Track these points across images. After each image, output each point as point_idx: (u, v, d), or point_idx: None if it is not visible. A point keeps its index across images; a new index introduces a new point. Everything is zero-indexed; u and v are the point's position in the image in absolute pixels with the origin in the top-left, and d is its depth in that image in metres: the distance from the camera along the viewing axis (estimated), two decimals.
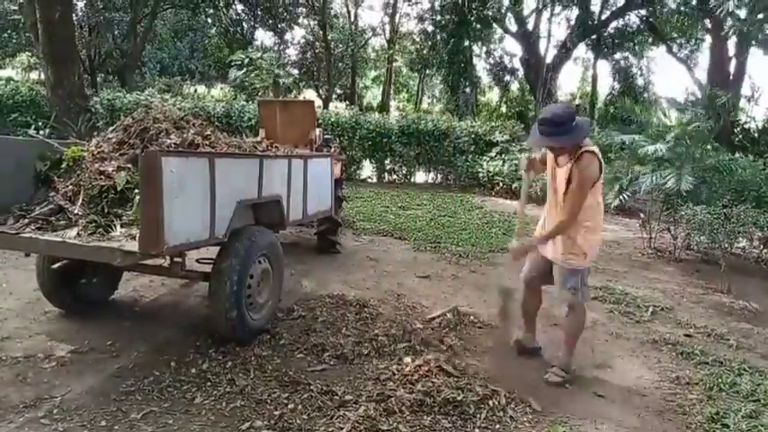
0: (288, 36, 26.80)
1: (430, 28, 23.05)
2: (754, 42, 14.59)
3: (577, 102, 28.07)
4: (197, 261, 4.20)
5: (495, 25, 22.14)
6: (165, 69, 24.17)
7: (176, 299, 4.50)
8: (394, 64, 28.62)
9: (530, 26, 21.93)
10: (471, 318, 4.41)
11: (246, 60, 13.35)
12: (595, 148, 3.21)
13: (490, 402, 3.05)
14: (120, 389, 2.97)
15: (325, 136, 6.72)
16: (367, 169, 13.66)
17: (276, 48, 24.89)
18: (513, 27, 22.38)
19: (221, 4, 23.63)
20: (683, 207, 6.81)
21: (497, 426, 2.89)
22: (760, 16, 12.03)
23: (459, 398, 3.02)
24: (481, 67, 24.59)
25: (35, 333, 3.65)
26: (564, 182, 3.24)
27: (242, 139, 4.46)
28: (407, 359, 3.49)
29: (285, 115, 6.28)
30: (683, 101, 7.93)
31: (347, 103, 23.64)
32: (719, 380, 3.55)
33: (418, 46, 25.28)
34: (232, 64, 13.50)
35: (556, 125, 3.07)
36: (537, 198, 11.45)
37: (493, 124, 13.76)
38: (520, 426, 2.92)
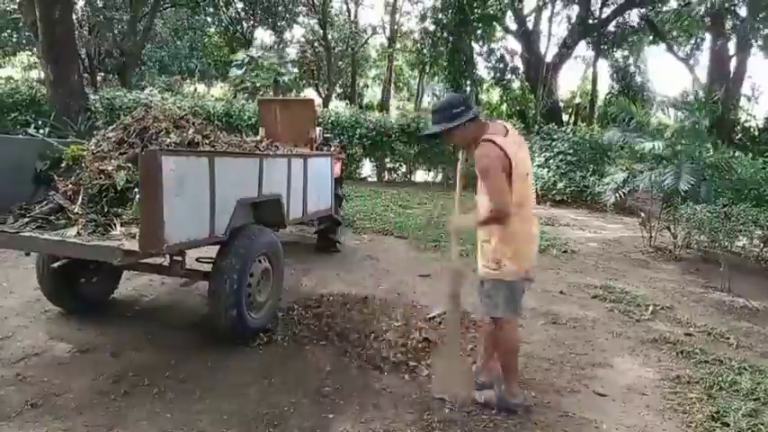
0: (288, 35, 26.80)
1: (431, 26, 23.01)
2: (754, 43, 14.57)
3: (578, 100, 28.04)
4: (197, 260, 4.19)
5: (495, 24, 22.10)
6: (165, 68, 24.14)
7: (176, 298, 4.50)
8: (394, 63, 28.58)
9: (530, 25, 21.90)
10: (472, 316, 4.40)
11: (247, 59, 13.33)
12: (494, 137, 2.77)
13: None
14: (120, 388, 2.97)
15: (325, 135, 6.72)
16: (367, 168, 13.66)
17: (276, 46, 24.85)
18: (514, 26, 22.36)
19: (221, 3, 23.59)
20: (682, 206, 6.80)
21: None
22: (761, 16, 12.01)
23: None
24: (482, 65, 24.54)
25: (35, 332, 3.65)
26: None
27: (242, 138, 4.45)
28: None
29: (285, 114, 6.28)
30: (681, 99, 7.90)
31: (347, 101, 23.63)
32: (720, 378, 3.55)
33: (419, 44, 25.25)
34: (233, 63, 13.50)
35: (438, 112, 2.92)
36: (537, 196, 11.52)
37: None
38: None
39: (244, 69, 13.17)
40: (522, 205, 2.82)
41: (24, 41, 20.28)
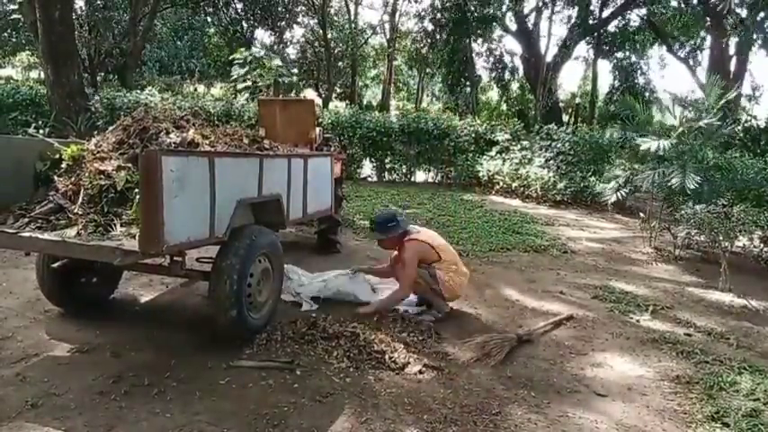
0: (287, 35, 26.82)
1: (430, 26, 23.04)
2: (757, 43, 14.56)
3: (578, 100, 28.06)
4: (197, 260, 4.20)
5: (495, 23, 22.11)
6: (165, 68, 24.16)
7: (176, 298, 4.49)
8: (394, 63, 28.59)
9: (530, 25, 21.91)
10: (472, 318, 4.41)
11: (250, 58, 13.27)
12: (419, 236, 4.47)
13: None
14: (120, 388, 2.97)
15: (325, 135, 6.72)
16: (367, 168, 13.65)
17: (276, 47, 24.84)
18: (514, 26, 22.38)
19: (221, 4, 23.61)
20: (683, 206, 6.79)
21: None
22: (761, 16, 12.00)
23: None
24: (481, 65, 24.55)
25: (35, 332, 3.65)
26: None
27: (242, 130, 4.34)
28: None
29: (285, 114, 6.27)
30: (687, 98, 7.81)
31: (347, 101, 23.64)
32: (720, 379, 3.55)
33: (418, 44, 25.28)
34: (234, 62, 13.42)
35: (379, 224, 4.60)
36: (537, 196, 11.52)
37: (493, 123, 13.76)
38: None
39: (246, 69, 13.09)
40: (456, 263, 4.46)
41: (24, 41, 20.30)
